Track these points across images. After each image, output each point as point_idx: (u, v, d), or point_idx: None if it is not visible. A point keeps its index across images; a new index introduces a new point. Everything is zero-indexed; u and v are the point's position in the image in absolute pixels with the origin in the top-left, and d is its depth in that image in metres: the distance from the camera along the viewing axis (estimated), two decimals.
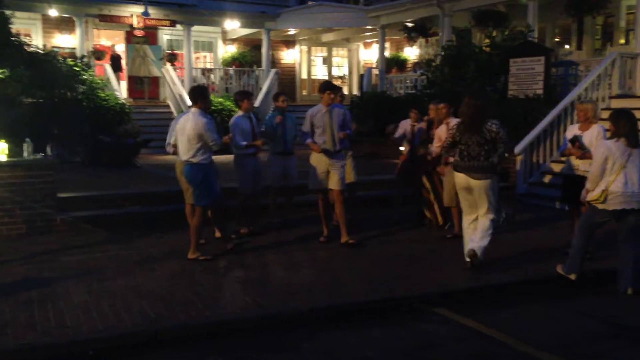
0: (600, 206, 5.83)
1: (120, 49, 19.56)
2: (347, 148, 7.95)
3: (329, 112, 7.36)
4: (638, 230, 5.91)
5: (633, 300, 5.76)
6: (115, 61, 18.22)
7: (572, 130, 6.84)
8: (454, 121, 7.62)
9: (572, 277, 6.09)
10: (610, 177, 5.75)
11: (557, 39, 17.27)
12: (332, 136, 7.35)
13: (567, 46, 16.92)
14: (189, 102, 17.66)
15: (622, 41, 15.27)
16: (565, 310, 5.56)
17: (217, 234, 7.39)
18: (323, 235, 7.57)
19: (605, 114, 11.07)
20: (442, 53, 14.37)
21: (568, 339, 4.87)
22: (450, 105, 7.82)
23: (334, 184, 7.40)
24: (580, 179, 6.58)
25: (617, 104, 11.20)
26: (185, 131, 6.57)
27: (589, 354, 4.59)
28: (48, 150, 8.10)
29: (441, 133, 7.71)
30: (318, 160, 7.42)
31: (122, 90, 17.61)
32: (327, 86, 7.49)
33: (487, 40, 14.39)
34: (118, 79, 17.68)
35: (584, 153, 6.49)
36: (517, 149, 10.70)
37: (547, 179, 10.64)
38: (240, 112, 7.80)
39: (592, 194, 5.90)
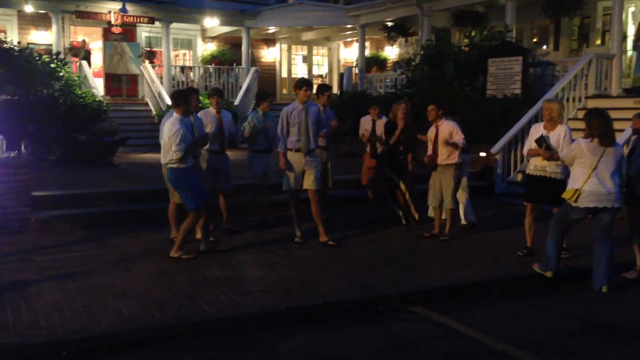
0: (573, 204, 5.90)
1: (98, 45, 19.34)
2: (328, 148, 7.93)
3: (305, 109, 7.26)
4: (612, 229, 5.99)
5: (607, 298, 5.84)
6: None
7: (538, 130, 6.79)
8: (446, 123, 7.67)
9: (548, 274, 6.14)
10: (582, 177, 5.82)
11: (534, 40, 17.44)
12: (307, 135, 7.24)
13: (544, 47, 17.08)
14: (168, 100, 17.62)
15: (598, 42, 15.46)
16: (541, 307, 5.61)
17: (198, 235, 7.31)
18: (297, 236, 7.48)
19: (581, 114, 11.21)
20: (422, 52, 14.44)
21: (543, 337, 4.92)
22: (439, 107, 7.76)
23: (309, 184, 7.30)
24: (543, 179, 6.67)
25: (593, 103, 11.34)
26: (162, 135, 6.61)
27: (563, 351, 4.64)
28: (22, 148, 7.98)
29: (432, 135, 7.77)
30: (292, 161, 7.30)
31: (99, 87, 17.42)
32: (303, 82, 7.41)
33: (465, 40, 14.52)
34: None
35: (552, 154, 6.43)
36: (495, 148, 10.78)
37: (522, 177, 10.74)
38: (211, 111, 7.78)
39: (566, 192, 5.96)
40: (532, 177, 6.88)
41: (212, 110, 7.74)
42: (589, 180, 5.79)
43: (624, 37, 12.97)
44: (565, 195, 5.96)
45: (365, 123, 8.86)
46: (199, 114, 7.56)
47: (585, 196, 5.82)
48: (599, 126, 5.79)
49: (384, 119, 8.74)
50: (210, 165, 7.56)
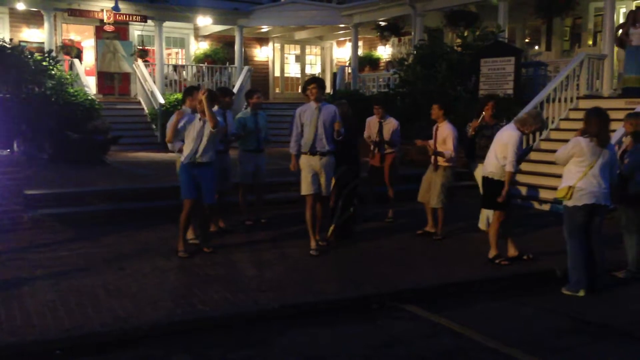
0: (570, 203, 5.90)
1: (90, 44, 19.26)
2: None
3: (319, 109, 6.90)
4: (601, 229, 6.03)
5: (598, 297, 5.89)
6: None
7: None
8: (445, 127, 7.68)
9: (581, 293, 5.88)
10: (577, 175, 5.85)
11: (527, 40, 17.51)
12: (315, 136, 6.85)
13: (536, 47, 17.16)
14: (160, 99, 17.55)
15: (590, 43, 15.55)
16: (532, 306, 5.65)
17: (190, 235, 7.29)
18: (312, 248, 6.95)
19: (573, 114, 11.30)
20: (415, 52, 14.46)
21: (535, 335, 4.96)
22: (440, 107, 7.74)
23: (321, 188, 7.03)
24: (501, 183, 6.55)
25: (584, 104, 11.39)
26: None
27: (555, 349, 4.68)
28: (15, 146, 7.96)
29: (434, 133, 7.79)
30: (307, 163, 6.96)
31: (91, 86, 17.35)
32: (309, 81, 7.13)
33: (458, 40, 14.54)
34: None
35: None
36: None
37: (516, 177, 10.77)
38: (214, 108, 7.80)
39: (558, 191, 5.99)
40: (493, 181, 6.62)
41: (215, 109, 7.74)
42: (584, 178, 5.80)
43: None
44: (559, 194, 5.97)
45: (372, 124, 8.77)
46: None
47: (582, 193, 5.80)
48: (596, 126, 5.78)
49: (392, 120, 8.71)
50: (217, 165, 7.56)
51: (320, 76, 23.42)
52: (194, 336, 4.75)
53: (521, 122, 6.58)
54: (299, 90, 22.86)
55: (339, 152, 7.36)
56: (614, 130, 9.30)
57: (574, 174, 5.87)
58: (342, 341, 4.78)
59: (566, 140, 6.37)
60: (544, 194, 10.03)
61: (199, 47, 20.95)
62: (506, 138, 6.50)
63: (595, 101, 11.64)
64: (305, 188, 7.02)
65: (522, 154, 6.64)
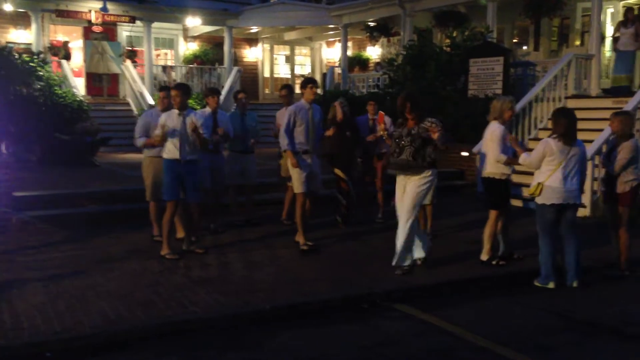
0: (539, 201, 5.98)
1: (78, 45, 19.17)
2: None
3: (312, 109, 7.12)
4: (576, 225, 6.11)
5: (588, 295, 5.93)
6: None
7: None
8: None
9: (551, 285, 6.03)
10: (547, 173, 5.91)
11: (515, 40, 17.60)
12: (315, 136, 7.14)
13: (525, 47, 17.26)
14: (150, 100, 17.48)
15: (578, 43, 15.66)
16: (523, 305, 5.68)
17: (179, 234, 7.29)
18: (302, 244, 7.07)
19: None
20: (404, 52, 14.51)
21: (525, 333, 4.98)
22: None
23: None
24: (504, 182, 6.60)
25: (572, 103, 11.47)
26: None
27: (545, 347, 4.70)
28: (3, 148, 7.91)
29: None
30: (302, 162, 7.13)
31: (80, 87, 17.26)
32: (308, 81, 7.24)
33: (447, 41, 14.61)
34: None
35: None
36: (477, 147, 10.85)
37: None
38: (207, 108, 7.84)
39: (530, 188, 6.07)
40: (497, 181, 6.66)
41: (208, 110, 7.77)
42: (553, 175, 5.89)
43: (603, 38, 13.14)
44: (529, 191, 6.09)
45: (364, 124, 8.76)
46: (197, 113, 7.61)
47: (550, 192, 5.90)
48: (562, 125, 5.90)
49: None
50: (206, 165, 7.57)
51: (310, 77, 23.44)
52: (185, 338, 4.73)
53: (493, 114, 6.67)
54: None
55: (335, 153, 7.68)
56: (600, 130, 9.39)
57: (544, 172, 5.97)
58: (335, 341, 4.78)
59: None
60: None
61: (188, 48, 20.90)
62: (489, 135, 6.59)
63: (583, 101, 11.74)
64: (300, 186, 7.12)
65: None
